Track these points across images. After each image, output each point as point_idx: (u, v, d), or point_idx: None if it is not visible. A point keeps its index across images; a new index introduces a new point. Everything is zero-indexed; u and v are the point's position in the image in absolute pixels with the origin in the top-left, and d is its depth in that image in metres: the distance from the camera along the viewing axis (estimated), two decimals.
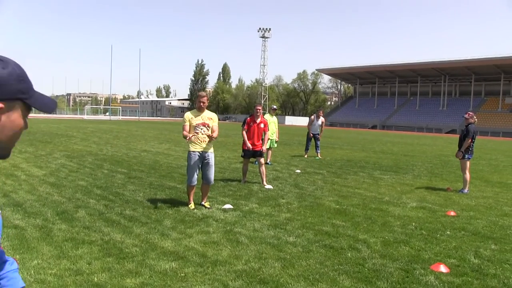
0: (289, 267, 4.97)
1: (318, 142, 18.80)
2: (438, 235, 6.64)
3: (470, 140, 11.02)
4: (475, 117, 11.37)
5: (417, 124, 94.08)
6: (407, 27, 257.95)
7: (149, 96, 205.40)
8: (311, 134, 18.86)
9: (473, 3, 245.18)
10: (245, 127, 10.96)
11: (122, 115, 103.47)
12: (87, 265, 4.79)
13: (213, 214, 7.34)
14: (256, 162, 12.09)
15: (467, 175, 11.05)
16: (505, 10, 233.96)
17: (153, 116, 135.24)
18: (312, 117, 19.29)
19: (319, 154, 18.44)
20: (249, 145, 10.57)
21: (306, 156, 18.49)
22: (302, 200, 8.85)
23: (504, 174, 15.42)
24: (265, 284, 4.45)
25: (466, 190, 10.90)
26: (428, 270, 5.06)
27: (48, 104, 1.35)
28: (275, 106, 16.27)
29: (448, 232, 6.84)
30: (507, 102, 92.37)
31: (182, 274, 4.63)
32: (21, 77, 1.28)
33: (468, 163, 11.15)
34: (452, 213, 8.23)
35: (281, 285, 4.45)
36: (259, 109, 11.04)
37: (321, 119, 19.16)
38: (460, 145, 11.24)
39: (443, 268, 5.10)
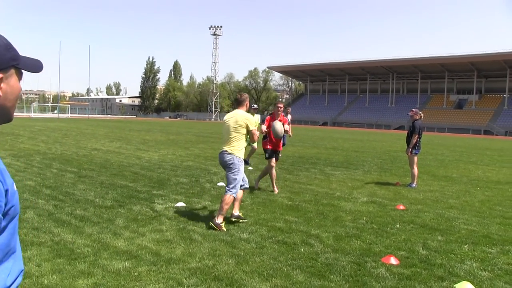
0: (243, 264, 4.98)
1: (285, 140, 17.31)
2: (388, 229, 6.82)
3: (417, 137, 11.37)
4: (420, 113, 11.71)
5: (367, 121, 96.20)
6: (356, 26, 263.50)
7: (99, 93, 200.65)
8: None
9: (419, 2, 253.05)
10: (266, 124, 9.68)
11: (71, 113, 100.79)
12: (37, 268, 4.62)
13: (166, 212, 7.26)
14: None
15: (415, 170, 11.39)
16: (451, 10, 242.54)
17: (103, 114, 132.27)
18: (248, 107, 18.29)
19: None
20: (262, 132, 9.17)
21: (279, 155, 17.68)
22: (254, 197, 8.89)
23: (449, 168, 16.00)
24: (219, 281, 4.45)
25: (414, 185, 11.24)
26: (379, 263, 5.19)
27: (37, 65, 1.48)
28: (255, 105, 14.94)
29: (398, 226, 7.04)
30: (451, 99, 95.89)
31: (135, 274, 4.56)
32: (9, 46, 1.39)
33: (415, 158, 11.49)
34: (401, 207, 8.47)
35: (235, 282, 4.45)
36: (281, 107, 9.87)
37: (289, 116, 17.77)
38: (408, 141, 11.57)
39: (393, 260, 5.24)
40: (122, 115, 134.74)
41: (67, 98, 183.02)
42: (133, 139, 24.50)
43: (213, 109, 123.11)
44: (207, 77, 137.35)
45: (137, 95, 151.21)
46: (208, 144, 22.83)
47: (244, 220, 6.88)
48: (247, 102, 7.31)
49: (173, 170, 12.27)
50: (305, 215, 7.46)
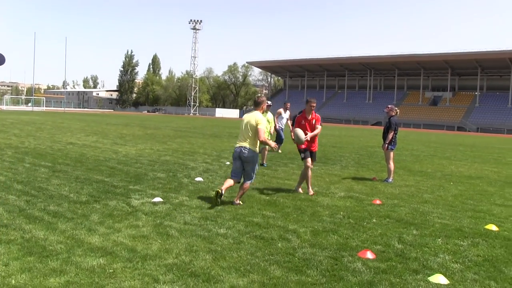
0: (220, 259, 4.96)
1: (282, 136, 16.92)
2: (365, 223, 6.88)
3: (393, 132, 11.49)
4: (396, 110, 11.84)
5: (345, 117, 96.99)
6: (336, 22, 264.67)
7: (75, 86, 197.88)
8: (278, 127, 16.48)
9: (399, 1, 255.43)
10: (295, 125, 9.25)
11: (46, 106, 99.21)
12: (4, 267, 4.46)
13: (142, 207, 7.19)
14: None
15: (391, 165, 11.52)
16: (427, 10, 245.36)
17: (80, 108, 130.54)
18: (280, 110, 17.21)
19: (279, 149, 17.46)
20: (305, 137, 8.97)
21: (279, 151, 17.57)
22: (233, 192, 8.85)
23: (424, 164, 16.24)
24: (196, 277, 4.42)
25: (390, 179, 11.37)
26: (355, 257, 5.24)
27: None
28: (270, 102, 13.91)
29: (374, 220, 7.11)
30: (426, 96, 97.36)
31: (110, 270, 4.50)
32: None
33: (391, 153, 11.62)
34: (378, 202, 8.56)
35: (213, 278, 4.44)
36: (314, 105, 9.32)
37: (288, 112, 17.30)
38: (384, 137, 11.69)
39: (369, 255, 5.29)
40: (99, 108, 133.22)
41: (42, 91, 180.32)
42: (110, 133, 24.24)
43: (192, 103, 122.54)
44: (186, 71, 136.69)
45: (115, 88, 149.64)
46: (186, 139, 22.72)
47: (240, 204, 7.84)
48: (263, 105, 8.24)
49: (150, 165, 12.18)
50: (283, 210, 7.48)
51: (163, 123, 43.25)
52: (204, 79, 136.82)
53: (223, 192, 7.64)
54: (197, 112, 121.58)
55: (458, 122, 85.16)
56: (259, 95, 9.06)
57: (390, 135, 11.49)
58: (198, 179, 10.21)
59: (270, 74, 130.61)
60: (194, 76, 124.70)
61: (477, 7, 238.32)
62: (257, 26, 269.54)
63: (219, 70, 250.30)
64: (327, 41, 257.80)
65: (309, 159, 9.26)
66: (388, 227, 6.76)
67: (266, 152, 13.63)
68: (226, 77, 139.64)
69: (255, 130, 7.77)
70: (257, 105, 8.19)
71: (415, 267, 5.03)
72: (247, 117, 8.02)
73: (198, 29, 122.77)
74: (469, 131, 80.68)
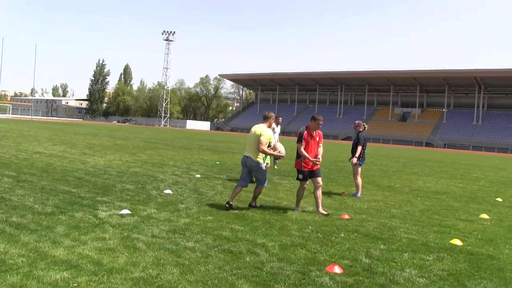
0: (187, 273, 4.91)
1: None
2: (333, 238, 6.92)
3: (361, 147, 11.64)
4: (364, 125, 12.00)
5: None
6: (309, 37, 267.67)
7: (44, 94, 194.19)
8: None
9: (371, 19, 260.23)
10: (303, 143, 8.89)
11: (12, 114, 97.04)
12: None
13: (110, 219, 7.07)
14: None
15: (359, 180, 11.64)
16: (396, 28, 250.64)
17: (48, 116, 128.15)
18: (273, 124, 16.80)
19: (276, 165, 17.31)
20: (313, 160, 8.75)
21: (276, 166, 17.20)
22: (201, 205, 8.82)
23: (393, 179, 16.47)
24: None
25: (359, 194, 11.48)
26: (323, 272, 5.25)
27: None
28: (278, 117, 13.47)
29: (342, 235, 7.15)
30: (396, 112, 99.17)
31: (74, 284, 4.39)
32: None
33: (359, 169, 11.75)
34: (346, 216, 8.62)
35: None
36: (321, 123, 9.00)
37: (279, 127, 16.50)
38: (353, 152, 11.82)
39: (337, 269, 5.31)
40: (68, 117, 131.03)
41: (9, 98, 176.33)
42: (79, 143, 23.83)
43: (163, 114, 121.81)
44: (158, 82, 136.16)
45: (85, 97, 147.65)
46: (156, 151, 22.51)
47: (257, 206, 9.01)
48: (270, 120, 9.03)
49: (119, 176, 12.01)
50: (252, 224, 7.47)
51: (133, 134, 42.80)
52: (175, 90, 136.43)
53: (231, 204, 8.60)
54: (168, 124, 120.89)
55: (426, 138, 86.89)
56: (269, 111, 9.55)
57: (359, 150, 11.63)
58: (167, 191, 10.10)
59: (242, 87, 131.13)
60: (165, 87, 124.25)
61: (445, 27, 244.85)
62: (230, 39, 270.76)
63: (191, 82, 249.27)
64: (300, 56, 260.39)
65: (306, 182, 9.02)
66: (356, 241, 6.81)
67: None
68: (198, 89, 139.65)
69: (257, 141, 8.57)
70: (264, 119, 9.03)
71: (382, 281, 5.08)
72: (254, 128, 8.86)
73: (171, 40, 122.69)
74: (436, 147, 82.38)
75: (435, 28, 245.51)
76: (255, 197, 9.12)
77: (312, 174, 8.95)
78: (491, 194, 13.95)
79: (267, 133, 8.68)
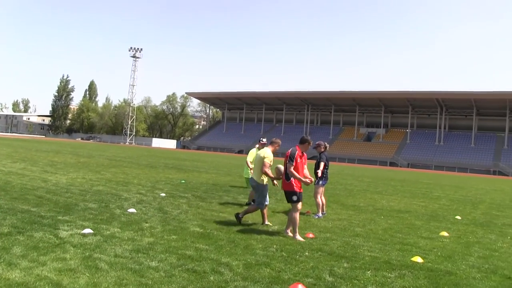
0: None
1: None
2: (297, 256, 6.95)
3: (324, 165, 11.78)
4: (325, 145, 12.17)
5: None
6: (276, 57, 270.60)
7: (3, 110, 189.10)
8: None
9: (338, 41, 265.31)
10: (294, 163, 8.66)
11: None
12: None
13: (71, 239, 6.92)
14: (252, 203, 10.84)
15: (319, 200, 11.68)
16: (360, 48, 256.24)
17: (8, 132, 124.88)
18: (257, 145, 16.55)
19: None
20: (307, 181, 8.63)
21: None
22: (166, 224, 8.74)
23: (357, 198, 16.69)
24: None
25: (320, 214, 11.51)
26: None
27: None
28: (264, 140, 13.48)
29: (307, 253, 7.20)
30: (361, 132, 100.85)
31: None
32: None
33: (320, 189, 11.85)
34: (311, 235, 8.68)
35: None
36: (309, 144, 9.01)
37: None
38: (315, 172, 11.93)
39: None
40: (30, 134, 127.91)
41: None
42: (40, 160, 23.29)
43: (129, 132, 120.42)
44: (124, 99, 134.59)
45: (48, 113, 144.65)
46: (121, 169, 22.21)
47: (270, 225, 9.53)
48: (276, 146, 9.66)
49: (81, 195, 11.79)
50: (216, 243, 7.44)
51: (97, 152, 42.12)
52: (142, 108, 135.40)
53: (267, 223, 9.57)
54: (133, 142, 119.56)
55: (391, 158, 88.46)
56: (276, 138, 10.10)
57: (322, 167, 11.75)
58: (131, 210, 9.97)
59: (209, 105, 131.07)
60: (131, 105, 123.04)
61: (407, 49, 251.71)
62: (198, 57, 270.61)
63: (157, 100, 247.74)
64: (266, 76, 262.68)
65: (300, 203, 8.79)
66: (320, 260, 6.87)
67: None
68: (165, 107, 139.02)
69: (261, 163, 9.21)
70: (271, 144, 9.68)
71: None
72: (259, 152, 9.56)
73: (138, 57, 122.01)
74: (400, 166, 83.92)
75: (400, 51, 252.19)
76: (245, 212, 9.63)
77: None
78: (451, 212, 14.30)
79: (270, 156, 9.31)
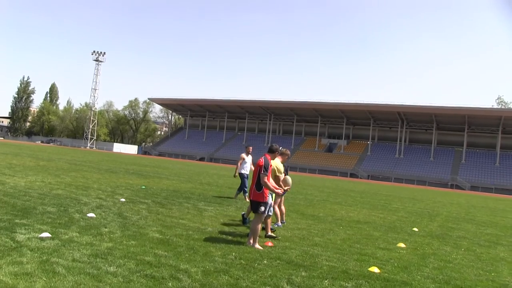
0: None
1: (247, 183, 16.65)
2: (256, 264, 7.03)
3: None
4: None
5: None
6: (238, 65, 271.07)
7: None
8: (238, 173, 17.14)
9: (300, 50, 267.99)
10: (268, 172, 8.61)
11: None
12: None
13: (28, 243, 6.81)
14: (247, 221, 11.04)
15: (277, 210, 11.77)
16: (321, 60, 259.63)
17: None
18: (242, 154, 17.39)
19: (246, 197, 16.14)
20: (279, 191, 8.94)
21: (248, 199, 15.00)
22: (125, 230, 8.68)
23: (317, 208, 16.90)
24: None
25: (279, 223, 11.59)
26: None
27: None
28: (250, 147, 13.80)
29: (265, 261, 7.28)
30: (322, 143, 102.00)
31: None
32: None
33: (279, 198, 11.96)
34: (270, 244, 8.77)
35: None
36: (278, 153, 9.57)
37: (251, 156, 16.97)
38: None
39: None
40: None
41: None
42: None
43: (90, 136, 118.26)
44: (86, 103, 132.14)
45: (7, 115, 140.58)
46: (81, 173, 21.83)
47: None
48: (286, 157, 10.16)
49: (40, 198, 11.56)
50: (175, 250, 7.44)
51: (57, 155, 41.22)
52: (103, 112, 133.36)
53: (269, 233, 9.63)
54: (94, 146, 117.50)
55: (351, 169, 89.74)
56: (285, 149, 10.40)
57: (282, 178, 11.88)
58: (90, 215, 9.85)
59: (171, 112, 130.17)
60: (93, 109, 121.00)
61: (369, 62, 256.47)
62: (162, 63, 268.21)
63: (119, 105, 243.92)
64: (229, 84, 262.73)
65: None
66: (279, 268, 6.96)
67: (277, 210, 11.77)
68: (127, 112, 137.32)
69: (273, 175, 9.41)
70: (280, 154, 9.99)
71: None
72: (273, 162, 9.28)
73: (101, 61, 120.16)
74: (360, 178, 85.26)
75: (362, 62, 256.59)
76: (267, 228, 9.65)
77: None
78: (409, 224, 14.67)
79: (280, 166, 9.73)
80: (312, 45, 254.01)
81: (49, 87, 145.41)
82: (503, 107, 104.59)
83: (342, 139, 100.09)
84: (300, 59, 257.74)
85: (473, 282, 7.45)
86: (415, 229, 13.62)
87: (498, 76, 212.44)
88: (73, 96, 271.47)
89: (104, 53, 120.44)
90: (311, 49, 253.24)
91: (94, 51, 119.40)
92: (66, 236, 7.52)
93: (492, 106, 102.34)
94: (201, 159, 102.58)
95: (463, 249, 10.78)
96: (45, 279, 5.22)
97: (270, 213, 9.59)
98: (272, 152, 9.01)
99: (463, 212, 23.33)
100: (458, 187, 79.92)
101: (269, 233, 9.57)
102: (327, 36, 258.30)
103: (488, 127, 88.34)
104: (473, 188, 78.68)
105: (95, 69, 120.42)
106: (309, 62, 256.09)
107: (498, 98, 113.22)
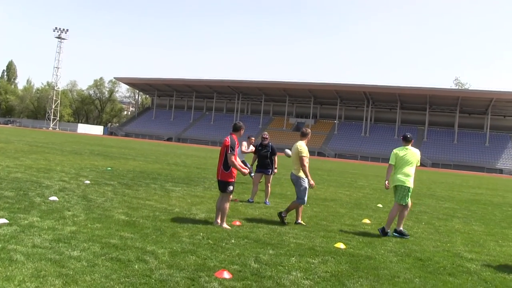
0: (71, 284, 4.67)
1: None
2: (224, 244, 6.97)
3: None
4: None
5: (211, 138, 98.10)
6: (206, 44, 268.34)
7: None
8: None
9: (268, 30, 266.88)
10: (235, 152, 8.48)
11: None
12: None
13: None
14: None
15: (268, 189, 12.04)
16: (295, 39, 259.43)
17: None
18: (244, 143, 14.80)
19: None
20: (245, 171, 8.66)
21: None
22: (90, 212, 8.47)
23: (284, 187, 16.99)
24: None
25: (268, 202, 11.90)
26: (212, 277, 5.27)
27: None
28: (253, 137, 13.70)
29: (233, 241, 7.24)
30: (290, 122, 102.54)
31: None
32: None
33: (271, 178, 12.30)
34: (238, 223, 8.74)
35: None
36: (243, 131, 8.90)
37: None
38: (272, 163, 12.65)
39: (226, 274, 5.37)
40: None
41: None
42: None
43: (52, 117, 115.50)
44: (48, 82, 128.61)
45: None
46: (43, 155, 21.28)
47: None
48: (309, 137, 9.90)
49: None
50: (142, 231, 7.31)
51: (16, 137, 40.11)
52: (67, 92, 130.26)
53: (299, 221, 9.45)
54: (58, 127, 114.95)
55: (319, 148, 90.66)
56: (306, 129, 10.10)
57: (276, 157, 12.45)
58: (53, 198, 9.56)
59: (138, 91, 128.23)
60: (56, 88, 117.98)
61: (336, 42, 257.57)
62: (128, 41, 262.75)
63: (84, 84, 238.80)
64: (198, 64, 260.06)
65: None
66: (246, 247, 6.92)
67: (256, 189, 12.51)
68: (91, 92, 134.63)
69: (298, 157, 9.38)
70: (304, 135, 9.83)
71: (269, 285, 5.21)
72: (296, 145, 9.54)
73: (64, 39, 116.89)
74: (328, 156, 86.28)
75: (330, 42, 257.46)
76: (288, 209, 9.45)
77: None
78: (374, 201, 14.91)
79: (306, 149, 9.55)
80: (281, 24, 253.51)
81: (6, 65, 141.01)
82: (460, 87, 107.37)
83: (309, 118, 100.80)
84: (268, 38, 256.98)
85: (431, 253, 7.72)
86: (380, 205, 13.86)
87: (456, 57, 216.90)
88: (34, 75, 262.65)
89: (67, 30, 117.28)
90: (280, 28, 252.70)
91: (56, 28, 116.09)
92: (26, 222, 7.24)
93: (451, 87, 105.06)
94: (169, 139, 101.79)
95: (423, 223, 11.07)
96: (0, 267, 4.96)
97: (303, 202, 9.46)
98: (237, 130, 8.83)
99: (425, 188, 23.90)
100: (421, 164, 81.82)
101: (299, 220, 9.46)
102: (296, 15, 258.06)
103: (447, 107, 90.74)
104: (434, 165, 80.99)
105: (57, 46, 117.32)
106: (277, 42, 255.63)
107: (455, 79, 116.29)
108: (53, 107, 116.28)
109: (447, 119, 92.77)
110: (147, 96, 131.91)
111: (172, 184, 14.27)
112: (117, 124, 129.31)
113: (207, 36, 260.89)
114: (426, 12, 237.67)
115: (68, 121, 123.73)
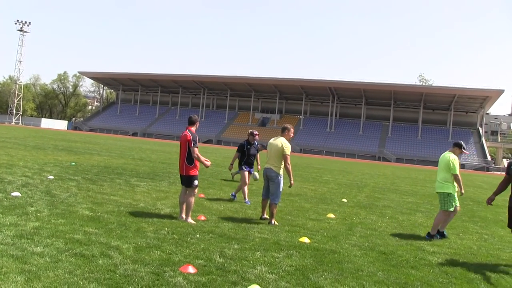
0: (34, 280, 4.65)
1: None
2: (189, 239, 7.02)
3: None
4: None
5: (177, 133, 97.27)
6: (174, 41, 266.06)
7: None
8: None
9: (235, 24, 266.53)
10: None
11: None
12: None
13: None
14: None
15: (245, 189, 11.93)
16: (254, 35, 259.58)
17: None
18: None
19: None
20: (207, 163, 8.61)
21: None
22: (53, 208, 8.37)
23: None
24: None
25: (248, 201, 11.71)
26: (177, 272, 5.32)
27: None
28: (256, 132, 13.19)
29: (198, 236, 7.29)
30: (256, 117, 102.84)
31: None
32: None
33: (248, 178, 12.20)
34: (203, 218, 8.79)
35: None
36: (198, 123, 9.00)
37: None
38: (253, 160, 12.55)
39: (191, 269, 5.42)
40: None
41: None
42: None
43: (15, 111, 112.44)
44: (10, 76, 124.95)
45: None
46: (5, 150, 20.77)
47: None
48: (291, 134, 9.26)
49: None
50: (106, 227, 7.28)
51: None
52: (30, 86, 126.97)
53: (264, 216, 9.42)
54: (20, 122, 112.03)
55: None
56: (289, 125, 9.48)
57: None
58: (15, 194, 9.40)
59: (102, 86, 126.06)
60: (18, 82, 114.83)
61: (301, 37, 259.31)
62: (92, 35, 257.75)
63: (47, 78, 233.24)
64: (163, 59, 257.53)
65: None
66: (211, 242, 6.99)
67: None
68: (55, 86, 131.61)
69: (281, 154, 8.88)
70: (286, 130, 9.21)
71: (234, 279, 5.29)
72: (277, 142, 9.00)
73: (26, 32, 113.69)
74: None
75: (295, 38, 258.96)
76: (271, 214, 9.06)
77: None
78: (338, 196, 15.15)
79: (289, 146, 9.01)
80: (247, 20, 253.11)
81: None
82: (424, 84, 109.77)
83: (275, 113, 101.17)
84: (234, 34, 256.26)
85: (395, 247, 7.91)
86: (344, 200, 14.10)
87: (420, 54, 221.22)
88: None
89: (30, 23, 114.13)
90: (246, 24, 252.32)
91: (17, 20, 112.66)
92: None
93: (415, 83, 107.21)
94: (134, 134, 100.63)
95: (387, 217, 11.32)
96: None
97: (277, 202, 9.06)
98: (193, 123, 8.85)
99: (389, 182, 24.39)
100: (385, 159, 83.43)
101: (265, 215, 9.45)
102: (261, 10, 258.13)
103: (411, 103, 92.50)
104: (398, 160, 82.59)
105: (19, 40, 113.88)
106: (243, 37, 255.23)
107: (419, 76, 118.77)
108: (16, 101, 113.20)
109: (411, 114, 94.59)
110: (112, 90, 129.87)
111: (137, 179, 14.19)
112: (82, 119, 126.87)
113: (172, 32, 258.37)
114: (390, 12, 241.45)
115: (31, 116, 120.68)
